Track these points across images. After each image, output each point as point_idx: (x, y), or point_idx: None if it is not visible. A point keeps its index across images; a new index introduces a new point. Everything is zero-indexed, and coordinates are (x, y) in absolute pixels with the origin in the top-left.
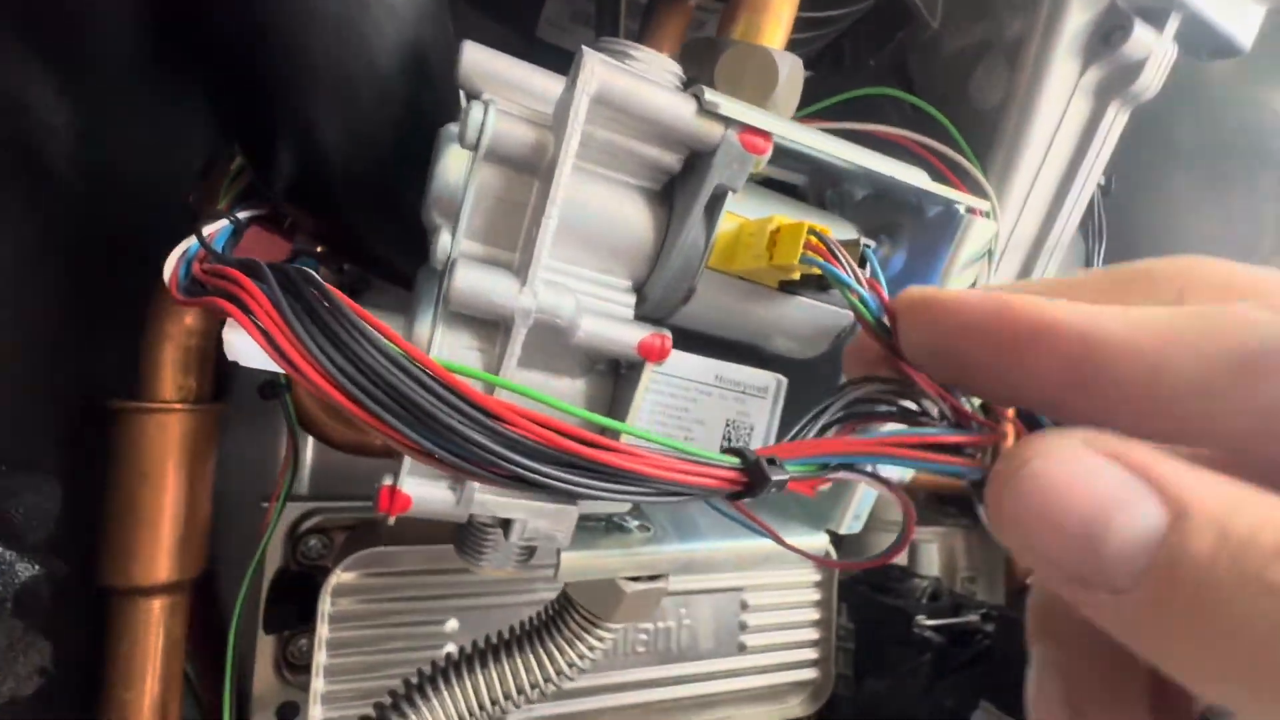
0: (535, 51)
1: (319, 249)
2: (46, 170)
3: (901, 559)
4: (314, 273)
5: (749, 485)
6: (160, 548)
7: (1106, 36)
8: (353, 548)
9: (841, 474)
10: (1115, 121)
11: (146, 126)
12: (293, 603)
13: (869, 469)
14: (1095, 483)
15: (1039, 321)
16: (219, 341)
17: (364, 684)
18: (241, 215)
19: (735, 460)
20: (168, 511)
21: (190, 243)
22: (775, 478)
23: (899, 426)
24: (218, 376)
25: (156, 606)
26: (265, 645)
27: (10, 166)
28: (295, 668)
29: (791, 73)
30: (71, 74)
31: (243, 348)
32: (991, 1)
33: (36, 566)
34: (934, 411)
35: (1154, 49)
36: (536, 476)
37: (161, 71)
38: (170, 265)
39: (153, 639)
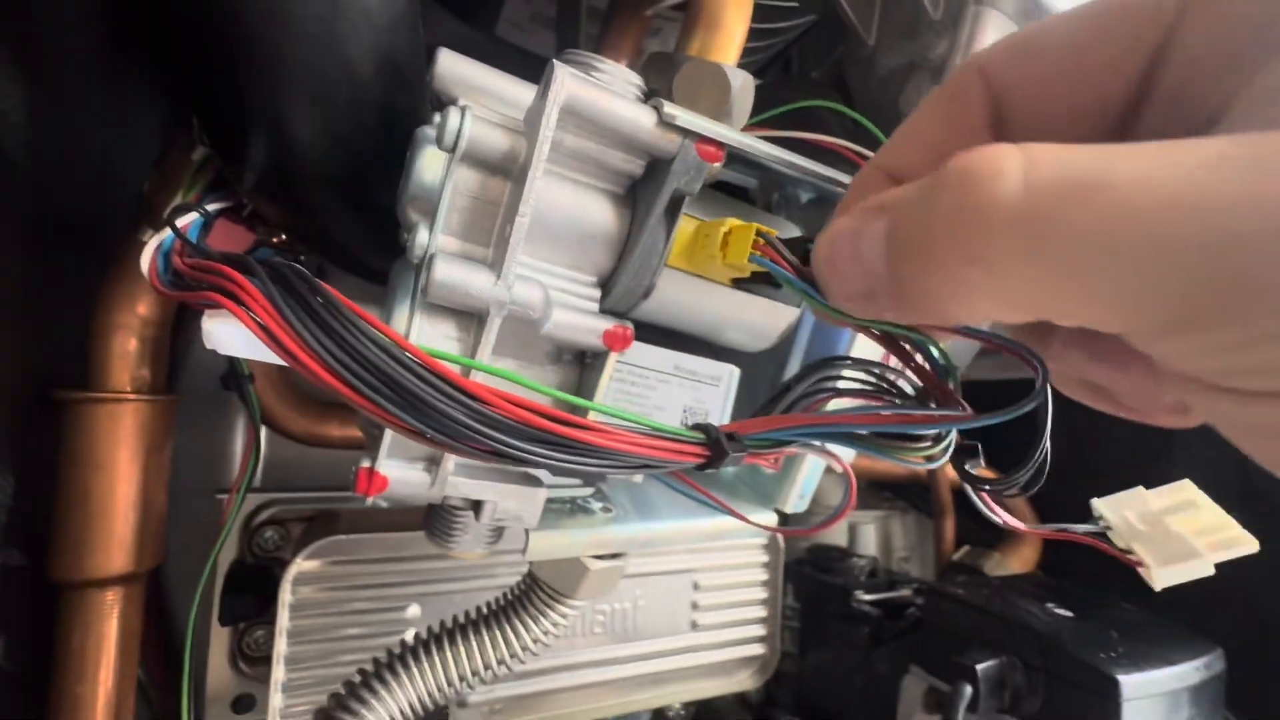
0: (495, 49)
1: (277, 239)
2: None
3: (843, 539)
4: (302, 268)
5: (712, 457)
6: (115, 540)
7: None
8: (312, 537)
9: (794, 448)
10: None
11: (99, 114)
12: (249, 594)
13: (818, 444)
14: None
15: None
16: (174, 331)
17: (325, 671)
18: (211, 208)
19: (700, 435)
20: (123, 503)
21: (165, 236)
22: (734, 452)
23: (859, 403)
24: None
25: (111, 599)
26: (220, 638)
27: None
28: (251, 659)
29: (743, 87)
30: (24, 59)
31: (221, 336)
32: (919, 25)
33: None
34: (905, 388)
35: None
36: (517, 452)
37: (115, 59)
38: (147, 258)
39: (107, 632)
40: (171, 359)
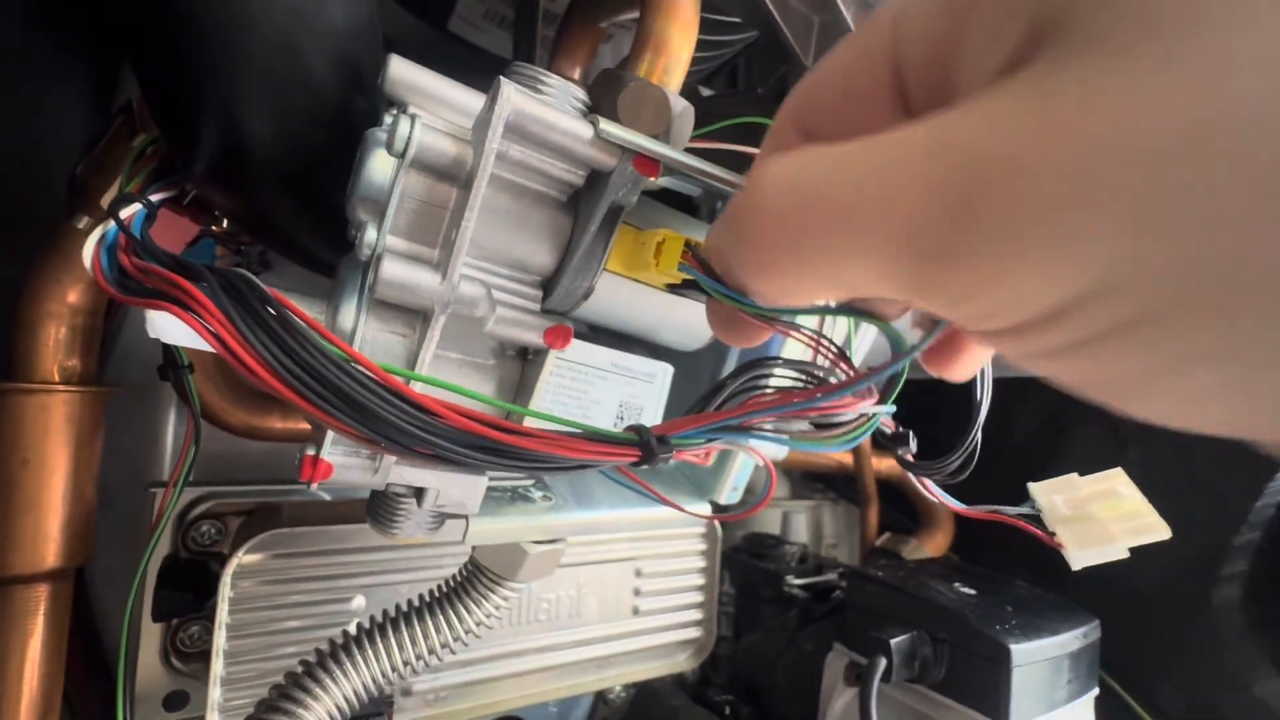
0: (446, 45)
1: (218, 227)
2: None
3: (776, 527)
4: (253, 276)
5: (643, 457)
6: (43, 535)
7: None
8: (252, 531)
9: (720, 444)
10: None
11: (19, 94)
12: (183, 589)
13: (743, 440)
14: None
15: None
16: (107, 320)
17: (266, 664)
18: (154, 198)
19: (633, 436)
20: (51, 497)
21: (107, 228)
22: (662, 453)
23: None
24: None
25: (38, 595)
26: (151, 635)
27: None
28: (185, 655)
29: (683, 113)
30: None
31: (165, 326)
32: None
33: None
34: (826, 378)
35: None
36: (460, 457)
37: (36, 38)
38: (89, 253)
39: (33, 630)
40: (101, 348)
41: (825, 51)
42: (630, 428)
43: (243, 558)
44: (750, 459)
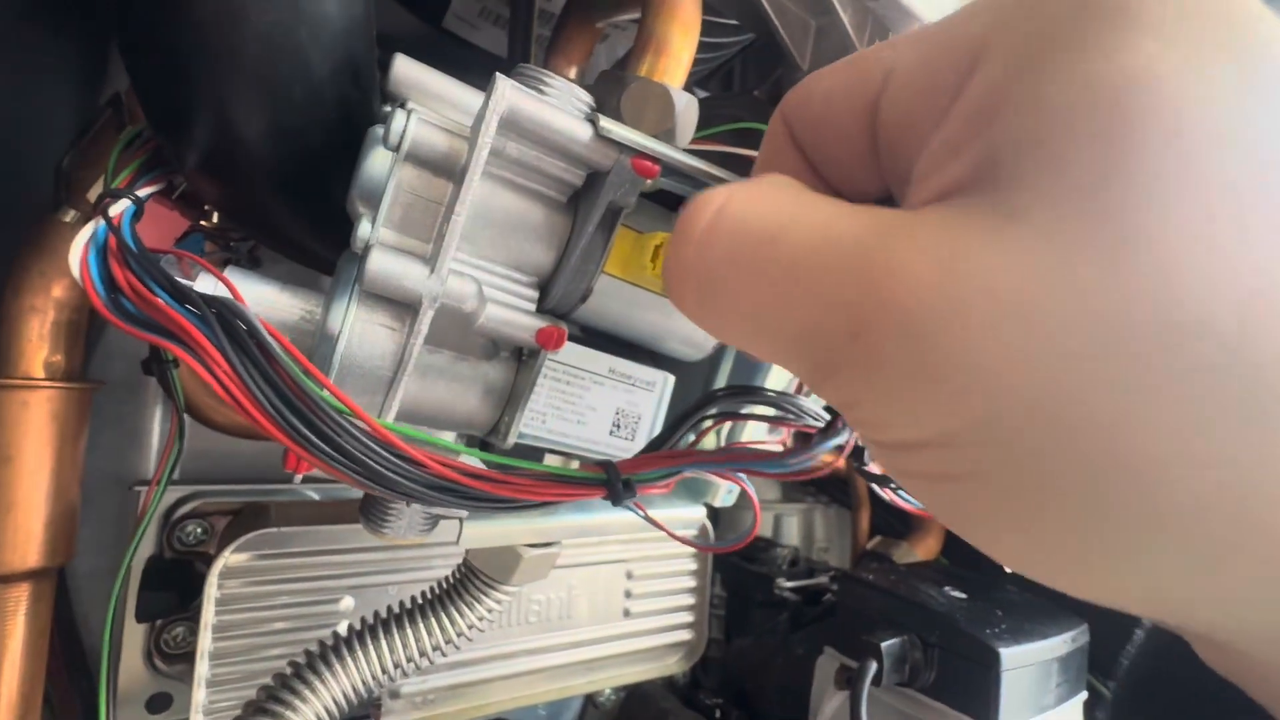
0: (440, 42)
1: (208, 222)
2: None
3: (768, 530)
4: (253, 320)
5: (608, 497)
6: (25, 533)
7: None
8: (239, 531)
9: (689, 474)
10: None
11: (8, 85)
12: (168, 589)
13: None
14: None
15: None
16: (91, 314)
17: (253, 666)
18: (143, 193)
19: (601, 475)
20: (34, 495)
21: (95, 227)
22: (626, 497)
23: (758, 427)
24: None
25: (19, 596)
26: (134, 634)
27: None
28: (169, 657)
29: (687, 107)
30: None
31: None
32: (847, 53)
33: None
34: (808, 411)
35: None
36: (438, 502)
37: (29, 29)
38: (77, 256)
39: (13, 630)
40: (85, 343)
41: (822, 54)
42: (599, 464)
43: (229, 558)
44: None
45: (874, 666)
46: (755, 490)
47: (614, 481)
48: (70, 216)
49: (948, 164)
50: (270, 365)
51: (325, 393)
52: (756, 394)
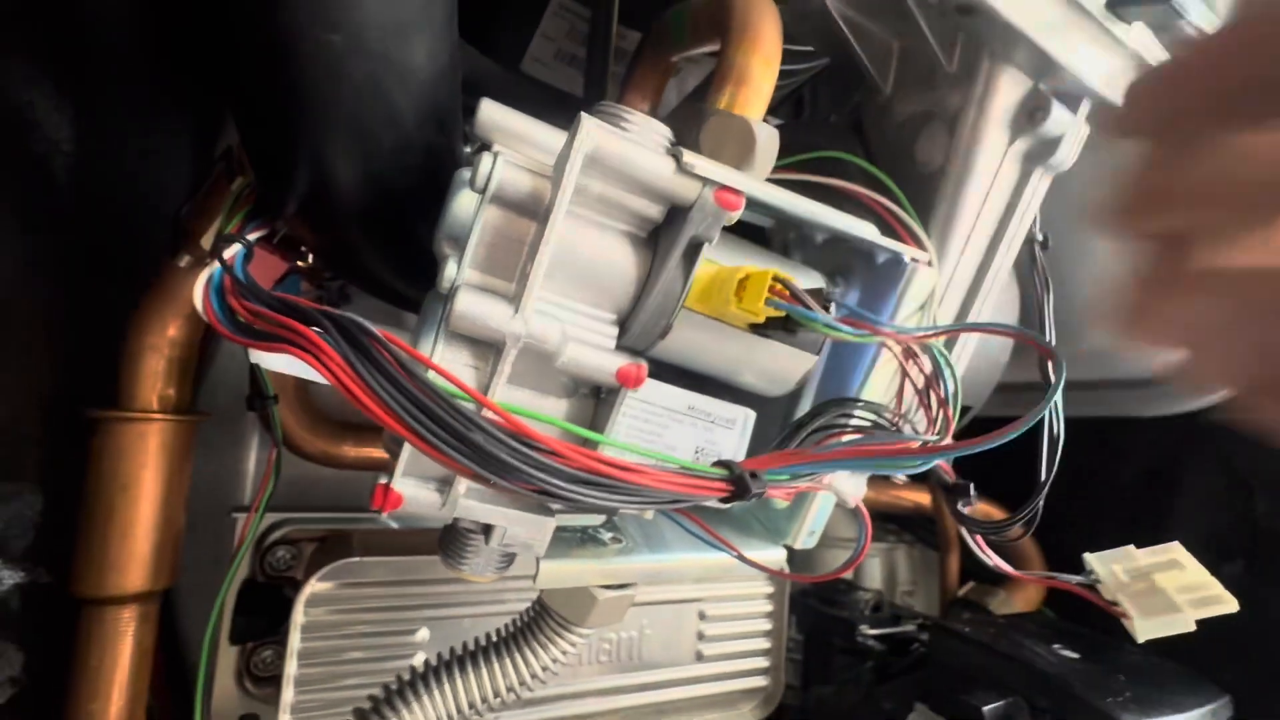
0: (520, 85)
1: (304, 263)
2: (45, 185)
3: (847, 574)
4: (366, 323)
5: (735, 492)
6: (136, 558)
7: (1031, 114)
8: (324, 559)
9: (808, 483)
10: (1039, 186)
11: (139, 143)
12: (259, 613)
13: (826, 479)
14: None
15: None
16: (200, 352)
17: (332, 694)
18: (250, 237)
19: (724, 472)
20: (145, 522)
21: (213, 270)
22: (755, 489)
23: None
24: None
25: (128, 616)
26: (227, 657)
27: (12, 184)
28: (258, 679)
29: (768, 140)
30: (75, 91)
31: (271, 357)
32: (935, 76)
33: (22, 575)
34: (899, 425)
35: (1069, 128)
36: (566, 493)
37: (156, 90)
38: (199, 296)
39: (123, 650)
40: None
41: (906, 76)
42: (719, 463)
43: (315, 585)
44: (828, 500)
45: None
46: (830, 529)
47: (739, 475)
48: (185, 262)
49: None
50: (386, 360)
51: (436, 376)
52: (859, 405)
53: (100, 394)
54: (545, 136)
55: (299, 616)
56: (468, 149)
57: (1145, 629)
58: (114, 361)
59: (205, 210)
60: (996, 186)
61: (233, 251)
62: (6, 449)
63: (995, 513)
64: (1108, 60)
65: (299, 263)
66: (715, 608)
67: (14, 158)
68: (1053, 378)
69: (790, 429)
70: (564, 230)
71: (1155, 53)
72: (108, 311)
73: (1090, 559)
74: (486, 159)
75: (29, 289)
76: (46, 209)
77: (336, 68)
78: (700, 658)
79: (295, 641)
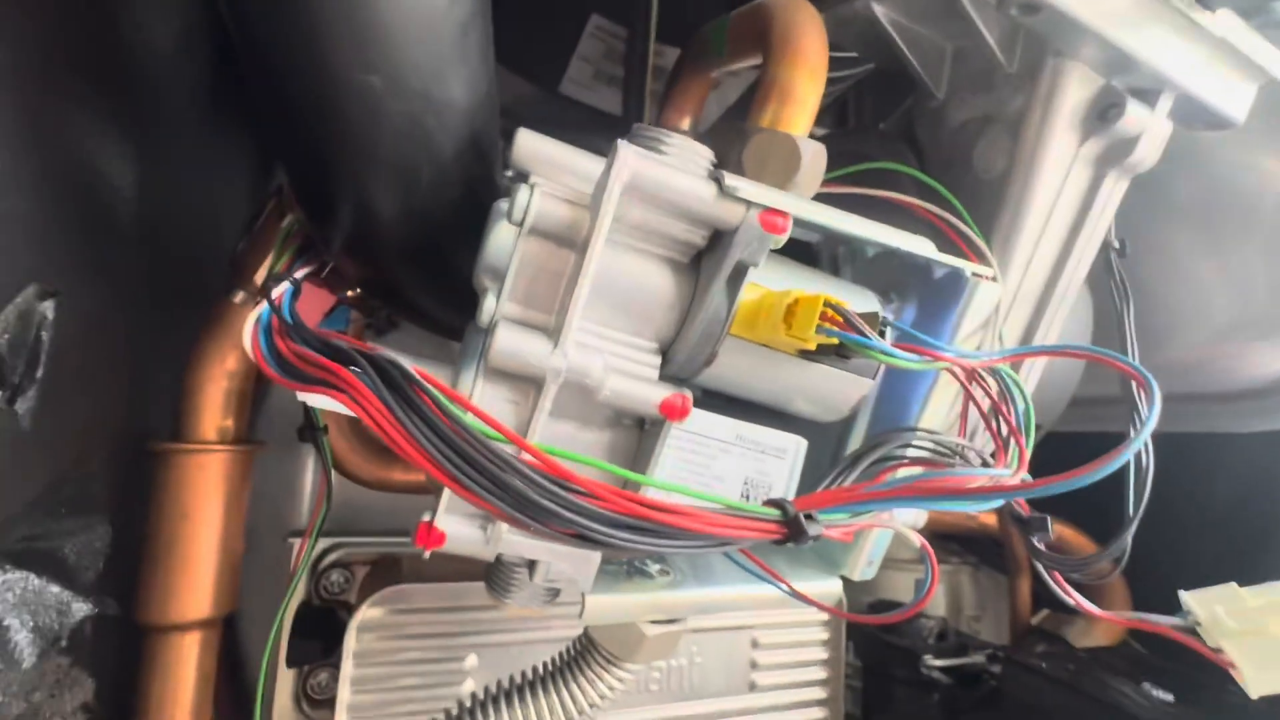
0: (559, 106)
1: (352, 293)
2: (112, 229)
3: (908, 594)
4: (404, 364)
5: (789, 534)
6: (198, 585)
7: (1103, 113)
8: (375, 584)
9: (867, 521)
10: (1115, 189)
11: (197, 182)
12: (315, 636)
13: (885, 515)
14: None
15: None
16: (257, 382)
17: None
18: (299, 274)
19: (776, 513)
20: (206, 550)
21: (261, 309)
22: (812, 531)
23: (917, 470)
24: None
25: (192, 642)
26: (285, 679)
27: (83, 232)
28: (315, 702)
29: (814, 157)
30: (136, 136)
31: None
32: (993, 78)
33: (90, 605)
34: (965, 455)
35: (1148, 125)
36: (605, 538)
37: (213, 132)
38: (249, 336)
39: (186, 676)
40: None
41: (960, 80)
42: (770, 502)
43: (366, 611)
44: (887, 531)
45: None
46: (888, 548)
47: (794, 517)
48: (239, 298)
49: None
50: (423, 402)
51: (474, 419)
52: (916, 434)
53: (164, 424)
54: (583, 164)
55: (351, 643)
56: (508, 173)
57: (1260, 683)
58: (176, 394)
59: (258, 246)
60: (1066, 192)
61: (281, 290)
62: (78, 485)
63: (1069, 535)
64: (1190, 51)
65: (348, 293)
66: (768, 635)
67: (80, 207)
68: (1142, 407)
69: (846, 463)
70: (604, 260)
71: (1248, 39)
72: (171, 347)
73: (1188, 598)
74: (524, 191)
75: (99, 330)
76: (117, 251)
77: (376, 108)
78: (754, 687)
79: (349, 668)
